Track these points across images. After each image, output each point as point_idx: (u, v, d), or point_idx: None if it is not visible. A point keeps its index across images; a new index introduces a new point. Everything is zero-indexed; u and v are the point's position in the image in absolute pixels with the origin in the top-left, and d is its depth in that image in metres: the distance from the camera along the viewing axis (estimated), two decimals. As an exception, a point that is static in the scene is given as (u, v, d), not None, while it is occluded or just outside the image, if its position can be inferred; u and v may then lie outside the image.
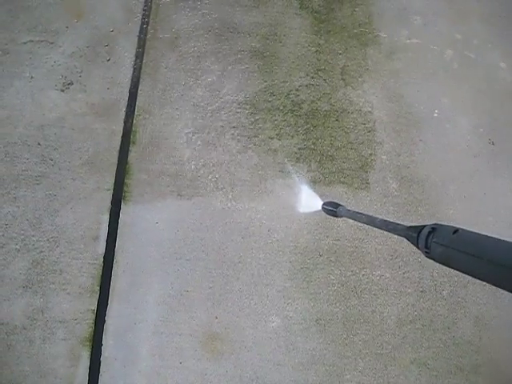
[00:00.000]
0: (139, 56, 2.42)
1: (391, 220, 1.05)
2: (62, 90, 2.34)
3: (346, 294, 2.09)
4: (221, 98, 2.35)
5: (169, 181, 2.21)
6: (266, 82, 2.39)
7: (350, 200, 2.21)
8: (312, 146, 2.28)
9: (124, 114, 2.31)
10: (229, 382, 1.94)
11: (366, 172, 2.25)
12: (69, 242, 2.11)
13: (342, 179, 2.23)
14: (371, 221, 1.17)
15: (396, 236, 2.17)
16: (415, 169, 2.28)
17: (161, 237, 2.13)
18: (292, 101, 2.36)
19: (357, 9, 2.60)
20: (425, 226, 0.87)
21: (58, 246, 2.10)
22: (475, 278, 0.71)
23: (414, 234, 0.90)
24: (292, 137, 2.30)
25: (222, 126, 2.30)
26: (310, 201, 2.20)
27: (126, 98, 2.34)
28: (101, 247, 2.11)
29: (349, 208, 1.48)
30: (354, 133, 2.32)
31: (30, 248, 2.09)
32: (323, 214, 2.02)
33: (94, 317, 2.01)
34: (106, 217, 2.15)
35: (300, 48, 2.49)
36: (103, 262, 2.09)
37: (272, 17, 2.55)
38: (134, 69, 2.39)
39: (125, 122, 2.28)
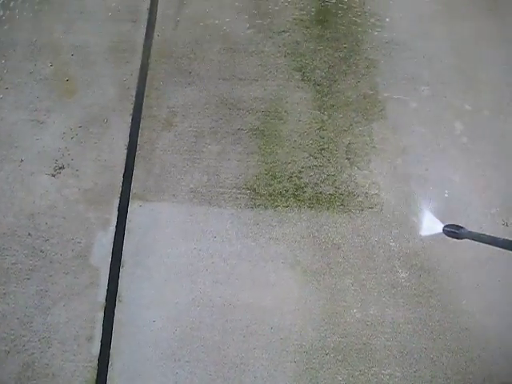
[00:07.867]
0: (133, 136, 2.31)
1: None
2: (53, 175, 2.23)
3: (355, 397, 1.98)
4: (220, 182, 2.24)
5: (166, 276, 2.09)
6: (266, 163, 2.28)
7: (357, 292, 2.10)
8: (316, 234, 2.17)
9: (118, 201, 2.20)
10: None
11: (374, 261, 2.14)
12: (61, 342, 2.01)
13: (348, 269, 2.13)
14: (494, 241, 1.17)
15: (406, 331, 2.06)
16: (426, 256, 2.17)
17: (158, 336, 2.02)
18: (295, 184, 2.25)
19: (361, 80, 2.47)
20: None
21: (50, 347, 2.00)
22: None
23: None
24: (295, 224, 2.18)
25: (221, 214, 2.19)
26: (430, 224, 2.14)
27: (119, 183, 2.23)
28: (95, 348, 2.01)
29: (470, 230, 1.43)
30: (360, 218, 2.20)
31: (21, 349, 1.99)
32: (325, 310, 1.92)
33: (88, 426, 1.90)
34: (101, 315, 2.05)
35: (302, 125, 2.37)
36: (98, 364, 1.98)
37: (272, 91, 2.43)
38: (129, 151, 2.28)
39: (119, 211, 2.17)
